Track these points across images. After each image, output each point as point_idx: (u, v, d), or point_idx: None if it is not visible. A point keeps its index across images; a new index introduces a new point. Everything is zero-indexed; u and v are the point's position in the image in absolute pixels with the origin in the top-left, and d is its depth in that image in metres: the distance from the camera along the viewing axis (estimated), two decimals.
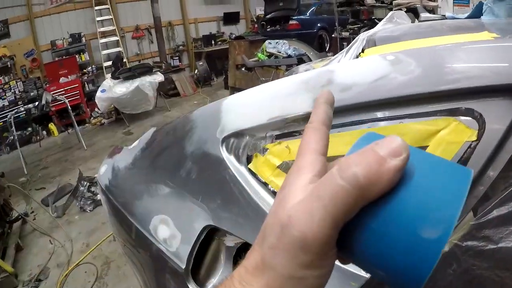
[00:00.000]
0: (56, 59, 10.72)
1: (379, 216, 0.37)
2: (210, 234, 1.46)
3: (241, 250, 1.46)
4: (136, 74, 9.04)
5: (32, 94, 10.00)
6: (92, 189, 5.77)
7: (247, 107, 1.47)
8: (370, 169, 0.36)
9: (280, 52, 6.34)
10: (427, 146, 1.09)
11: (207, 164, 1.47)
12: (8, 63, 9.79)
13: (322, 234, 0.37)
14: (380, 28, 2.26)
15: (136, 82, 8.86)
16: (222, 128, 1.44)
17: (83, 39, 11.03)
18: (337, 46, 8.06)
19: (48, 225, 5.07)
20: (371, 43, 1.75)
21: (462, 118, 1.05)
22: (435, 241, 0.34)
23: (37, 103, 8.62)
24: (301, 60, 5.73)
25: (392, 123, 1.15)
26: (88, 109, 10.51)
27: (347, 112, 1.20)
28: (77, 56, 10.95)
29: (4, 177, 5.72)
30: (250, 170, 1.37)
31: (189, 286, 1.42)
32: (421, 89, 1.12)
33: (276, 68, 5.97)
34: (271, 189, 1.32)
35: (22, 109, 8.78)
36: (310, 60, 5.48)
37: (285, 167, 1.30)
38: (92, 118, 10.51)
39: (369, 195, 0.36)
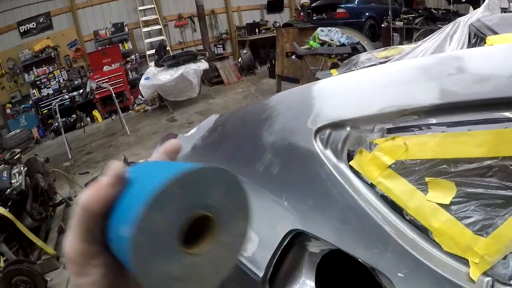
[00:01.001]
0: (99, 48, 10.79)
1: (108, 223, 0.40)
2: (291, 239, 1.25)
3: (327, 258, 1.25)
4: (181, 62, 8.89)
5: (76, 82, 10.08)
6: None
7: (349, 93, 1.26)
8: (89, 192, 0.42)
9: (333, 40, 6.07)
10: None
11: (295, 158, 1.26)
12: (52, 54, 9.90)
13: (74, 249, 0.43)
14: (481, 15, 2.01)
15: (180, 70, 8.74)
16: (316, 117, 1.23)
17: (126, 28, 11.00)
18: (388, 37, 7.75)
19: None
20: (486, 30, 1.52)
21: None
22: (125, 237, 0.36)
23: (81, 90, 8.65)
24: (354, 49, 5.45)
25: None
26: (131, 96, 10.53)
27: (481, 108, 1.02)
28: (120, 45, 10.95)
29: (49, 162, 5.71)
30: (352, 168, 1.15)
31: None
32: None
33: (329, 56, 5.73)
34: (379, 192, 1.11)
35: (67, 96, 8.90)
36: (365, 50, 5.22)
37: (400, 168, 1.08)
38: (135, 105, 10.52)
39: (94, 211, 0.41)
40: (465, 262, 1.01)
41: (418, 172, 1.08)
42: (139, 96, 10.26)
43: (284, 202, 1.26)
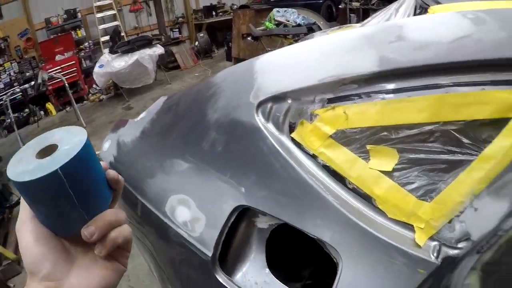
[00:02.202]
0: (51, 36, 10.29)
1: None
2: (239, 216, 1.23)
3: (276, 233, 1.24)
4: (135, 47, 8.68)
5: (27, 74, 9.56)
6: None
7: (289, 66, 1.24)
8: None
9: (288, 21, 6.04)
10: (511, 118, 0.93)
11: (238, 134, 1.24)
12: (2, 45, 9.39)
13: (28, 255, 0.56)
14: None
15: (135, 56, 8.54)
16: (257, 91, 1.21)
17: (79, 14, 10.56)
18: (345, 17, 7.79)
19: None
20: (430, 1, 1.53)
21: None
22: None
23: (33, 82, 8.28)
24: (310, 29, 5.45)
25: (473, 89, 0.97)
26: (86, 86, 10.17)
27: (420, 74, 1.03)
28: (73, 32, 10.51)
29: (2, 161, 5.45)
30: (293, 140, 1.14)
31: (216, 276, 1.20)
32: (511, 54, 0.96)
33: (285, 37, 5.71)
34: (321, 162, 1.10)
35: (18, 90, 8.41)
36: (320, 29, 5.22)
37: (341, 137, 1.07)
38: (90, 94, 10.18)
39: None
40: (410, 228, 1.02)
41: (359, 140, 1.07)
42: (94, 85, 9.96)
43: (229, 179, 1.24)
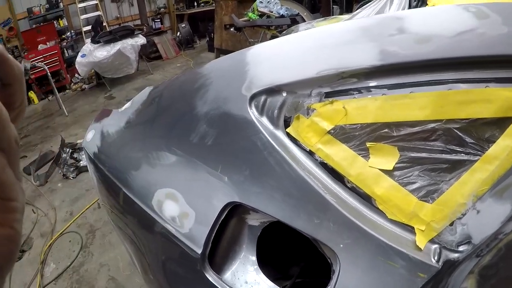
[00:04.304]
0: (34, 26, 10.16)
1: None
2: (229, 212, 1.19)
3: (267, 230, 1.20)
4: (117, 37, 8.63)
5: None
6: (75, 155, 5.50)
7: (285, 57, 1.20)
8: None
9: (272, 12, 5.98)
10: None
11: (229, 127, 1.20)
12: None
13: None
14: None
15: (117, 45, 8.48)
16: (250, 83, 1.17)
17: (61, 4, 10.42)
18: (328, 8, 7.74)
19: (31, 194, 4.83)
20: None
21: None
22: None
23: None
24: (294, 20, 5.39)
25: (476, 87, 0.94)
26: (68, 75, 10.04)
27: (423, 69, 0.99)
28: (55, 22, 10.39)
29: None
30: (289, 135, 1.10)
31: (205, 274, 1.15)
32: None
33: (268, 28, 5.65)
34: (319, 159, 1.06)
35: None
36: (304, 21, 5.16)
37: (340, 133, 1.04)
38: (72, 84, 10.07)
39: None
40: (410, 229, 0.99)
41: (359, 137, 1.04)
42: (76, 75, 9.84)
43: (220, 174, 1.19)
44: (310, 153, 1.09)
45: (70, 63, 10.07)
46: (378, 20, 1.18)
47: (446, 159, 0.96)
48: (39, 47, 9.70)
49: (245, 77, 1.18)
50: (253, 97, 1.14)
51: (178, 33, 11.85)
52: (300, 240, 1.12)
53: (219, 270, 1.20)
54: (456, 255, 0.93)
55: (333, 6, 7.85)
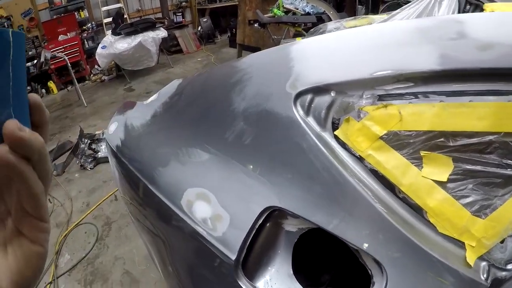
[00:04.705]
0: (55, 17, 10.10)
1: None
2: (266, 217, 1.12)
3: (305, 237, 1.13)
4: (139, 30, 8.60)
5: (30, 53, 9.37)
6: (93, 146, 5.46)
7: (335, 55, 1.12)
8: None
9: (297, 9, 5.89)
10: None
11: (271, 126, 1.13)
12: (5, 24, 9.16)
13: None
14: None
15: (138, 38, 8.46)
16: (295, 80, 1.10)
17: None
18: (353, 8, 7.61)
19: None
20: None
21: None
22: None
23: (35, 61, 8.17)
24: (320, 18, 5.28)
25: None
26: (88, 66, 10.05)
27: (484, 78, 0.93)
28: (76, 13, 10.33)
29: None
30: (337, 139, 1.02)
31: (238, 282, 1.08)
32: None
33: (293, 25, 5.55)
34: (369, 166, 0.99)
35: None
36: (330, 19, 5.05)
37: (393, 140, 0.96)
38: (92, 75, 10.09)
39: None
40: (460, 245, 0.93)
41: (413, 145, 0.97)
42: (96, 66, 9.83)
43: (258, 175, 1.12)
44: (360, 159, 1.01)
45: (90, 54, 10.07)
46: (437, 22, 1.10)
47: (501, 173, 0.90)
48: (59, 37, 9.69)
49: (290, 73, 1.11)
50: (299, 95, 1.07)
51: (199, 27, 11.76)
52: (331, 246, 1.05)
53: (251, 277, 1.13)
54: (504, 273, 0.89)
55: (358, 6, 7.72)
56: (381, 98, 1.00)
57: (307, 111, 1.06)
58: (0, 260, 0.44)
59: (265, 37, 6.61)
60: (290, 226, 1.14)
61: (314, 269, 1.47)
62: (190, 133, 1.39)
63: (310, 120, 1.06)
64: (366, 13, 6.94)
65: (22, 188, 0.42)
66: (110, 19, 10.54)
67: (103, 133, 5.68)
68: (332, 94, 1.04)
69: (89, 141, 5.49)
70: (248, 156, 1.16)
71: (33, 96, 0.45)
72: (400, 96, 0.99)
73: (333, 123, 1.05)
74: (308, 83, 1.07)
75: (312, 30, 3.55)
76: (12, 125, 0.41)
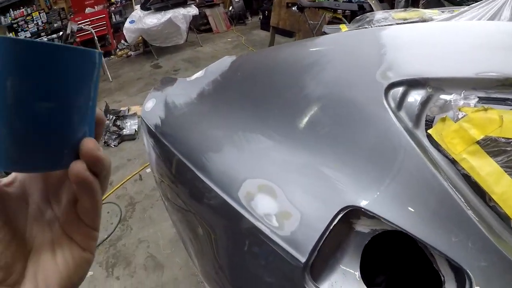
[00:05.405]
0: None
1: None
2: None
3: (377, 240, 1.05)
4: (169, 6, 8.46)
5: (55, 25, 9.52)
6: (118, 123, 5.39)
7: (435, 47, 1.02)
8: None
9: None
10: None
11: (354, 117, 1.03)
12: None
13: None
14: None
15: (168, 14, 8.32)
16: (388, 69, 1.00)
17: None
18: (392, 0, 7.41)
19: None
20: None
21: None
22: None
23: (61, 33, 8.16)
24: (361, 7, 5.13)
25: None
26: (114, 41, 10.02)
27: None
28: None
29: None
30: (430, 138, 0.94)
31: (305, 285, 1.00)
32: None
33: (333, 11, 5.40)
34: (461, 171, 0.90)
35: (45, 39, 8.23)
36: (371, 9, 4.91)
37: (490, 145, 0.88)
38: (118, 50, 10.07)
39: None
40: None
41: (510, 153, 0.88)
42: (122, 41, 9.85)
43: (335, 171, 1.02)
44: (453, 162, 0.92)
45: (117, 28, 10.08)
46: None
47: None
48: (86, 10, 9.65)
49: (381, 61, 1.01)
50: (391, 86, 0.98)
51: (231, 7, 11.61)
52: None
53: (317, 279, 1.04)
54: None
55: None
56: (481, 100, 0.91)
57: (399, 105, 0.97)
58: (49, 262, 0.45)
59: (301, 21, 6.47)
60: (362, 226, 1.05)
61: (370, 269, 1.39)
62: (248, 116, 1.30)
63: (402, 114, 0.96)
64: (406, 6, 6.73)
65: (86, 201, 0.44)
66: None
67: (128, 110, 5.63)
68: (429, 89, 0.95)
69: (114, 117, 5.42)
70: (323, 147, 1.07)
71: (98, 112, 0.47)
72: (502, 101, 0.91)
73: (426, 121, 0.96)
74: (403, 74, 0.97)
75: (357, 18, 3.41)
76: (92, 144, 0.43)
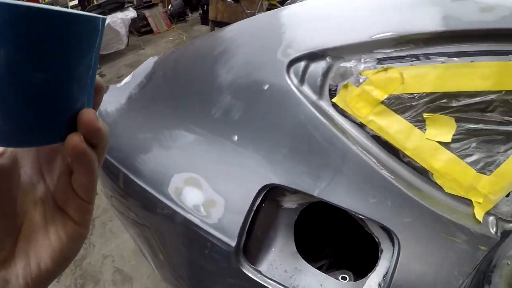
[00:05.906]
0: None
1: None
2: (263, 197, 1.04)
3: (305, 213, 1.07)
4: (106, 11, 8.25)
5: None
6: None
7: (330, 18, 1.05)
8: None
9: None
10: None
11: (262, 98, 1.04)
12: None
13: None
14: None
15: (106, 20, 8.05)
16: (287, 47, 1.02)
17: None
18: None
19: None
20: None
21: None
22: None
23: None
24: None
25: None
26: None
27: (486, 38, 0.92)
28: None
29: None
30: (335, 106, 0.96)
31: (242, 269, 1.01)
32: None
33: None
34: (371, 132, 0.93)
35: None
36: None
37: (395, 103, 0.91)
38: None
39: None
40: (467, 203, 0.93)
41: (415, 107, 0.92)
42: None
43: (252, 153, 1.04)
44: (361, 126, 0.95)
45: None
46: None
47: (502, 130, 0.89)
48: None
49: (281, 40, 1.03)
50: (292, 62, 1.00)
51: (170, 5, 11.41)
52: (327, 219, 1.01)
53: (254, 261, 1.06)
54: (510, 225, 0.90)
55: None
56: (380, 61, 0.94)
57: (302, 79, 0.99)
58: (41, 237, 0.43)
59: (238, 12, 6.50)
60: (289, 203, 1.07)
61: (314, 244, 1.42)
62: (171, 114, 1.30)
63: (305, 88, 0.98)
64: None
65: (82, 174, 0.42)
66: (75, 1, 10.26)
67: None
68: (328, 60, 0.97)
69: None
70: (239, 132, 1.08)
71: (98, 79, 0.44)
72: (401, 58, 0.94)
73: (330, 90, 0.98)
74: (302, 50, 0.99)
75: (288, 1, 3.43)
76: (91, 115, 0.40)
